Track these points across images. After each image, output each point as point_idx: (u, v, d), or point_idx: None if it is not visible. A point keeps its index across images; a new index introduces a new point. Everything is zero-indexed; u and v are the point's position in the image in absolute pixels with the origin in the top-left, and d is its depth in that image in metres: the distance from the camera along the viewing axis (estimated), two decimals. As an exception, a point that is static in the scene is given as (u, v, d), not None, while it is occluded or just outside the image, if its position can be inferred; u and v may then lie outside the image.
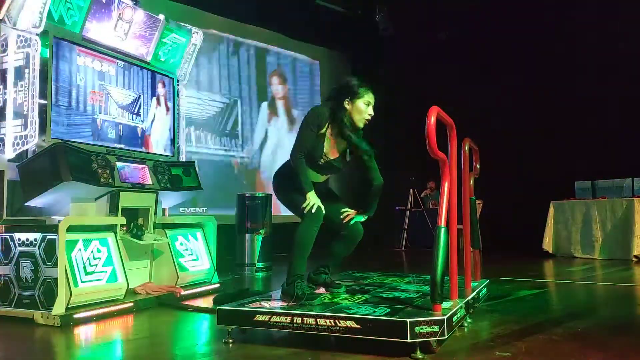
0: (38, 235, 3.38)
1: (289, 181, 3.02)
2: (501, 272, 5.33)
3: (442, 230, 2.62)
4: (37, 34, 3.56)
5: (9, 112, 3.61)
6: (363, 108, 2.99)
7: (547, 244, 7.42)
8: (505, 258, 6.92)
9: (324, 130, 2.99)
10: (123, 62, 4.20)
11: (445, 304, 2.66)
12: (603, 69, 7.73)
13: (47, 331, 3.12)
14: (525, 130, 8.38)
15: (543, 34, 8.38)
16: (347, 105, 3.00)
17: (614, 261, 6.57)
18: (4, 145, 3.61)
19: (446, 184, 2.71)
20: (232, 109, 8.17)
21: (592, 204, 7.12)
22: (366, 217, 3.15)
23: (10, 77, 3.62)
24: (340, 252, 3.23)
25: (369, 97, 3.01)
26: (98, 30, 3.98)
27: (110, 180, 3.74)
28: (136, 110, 4.29)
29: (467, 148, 3.52)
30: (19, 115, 3.59)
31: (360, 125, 3.03)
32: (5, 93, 3.64)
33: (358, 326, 2.43)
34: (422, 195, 9.70)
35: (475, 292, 3.28)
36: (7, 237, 3.49)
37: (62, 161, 3.42)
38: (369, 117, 3.03)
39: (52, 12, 3.60)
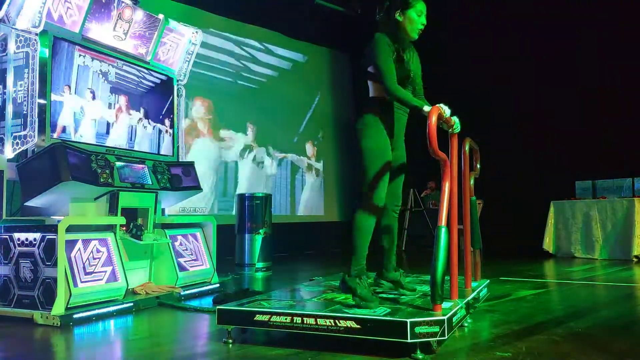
0: (37, 235, 3.37)
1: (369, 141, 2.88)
2: (501, 272, 5.33)
3: (442, 230, 2.61)
4: (36, 34, 3.56)
5: (9, 111, 3.61)
6: (415, 18, 2.95)
7: (547, 244, 7.41)
8: (505, 258, 6.92)
9: (394, 55, 2.89)
10: (122, 62, 4.19)
11: (445, 304, 2.65)
12: (603, 69, 7.73)
13: (46, 331, 3.12)
14: (525, 130, 8.38)
15: (543, 34, 8.37)
16: (399, 17, 2.95)
17: (614, 261, 6.57)
18: (3, 145, 3.61)
19: (446, 184, 2.70)
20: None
21: (592, 204, 7.11)
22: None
23: (10, 76, 3.62)
24: (391, 224, 3.13)
25: (421, 6, 2.97)
26: (98, 30, 3.97)
27: (109, 180, 3.73)
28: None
29: (467, 148, 3.52)
30: (19, 115, 3.58)
31: (415, 35, 2.98)
32: (4, 93, 3.63)
33: (358, 326, 2.43)
34: (422, 195, 9.70)
35: (475, 292, 3.28)
36: (7, 237, 3.48)
37: (62, 161, 3.41)
38: (422, 27, 2.99)
39: (51, 11, 3.60)
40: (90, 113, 3.90)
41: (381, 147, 2.90)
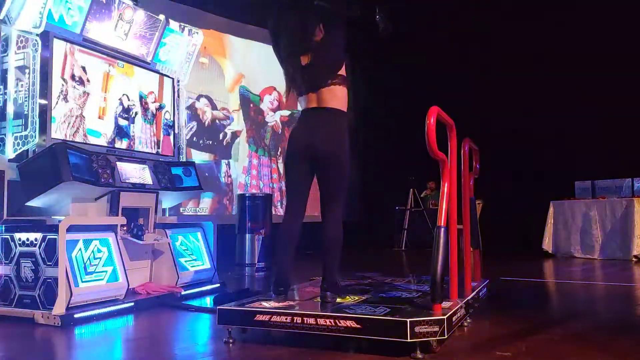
0: (38, 235, 3.37)
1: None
2: (501, 272, 5.33)
3: (442, 230, 2.62)
4: (37, 34, 3.56)
5: (10, 112, 3.62)
6: None
7: (547, 244, 7.42)
8: (505, 258, 6.93)
9: None
10: (123, 63, 4.20)
11: (445, 304, 2.66)
12: (603, 69, 7.74)
13: (47, 331, 3.12)
14: (525, 130, 8.39)
15: (542, 34, 8.38)
16: None
17: (614, 261, 6.58)
18: (4, 145, 3.61)
19: (446, 184, 2.71)
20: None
21: (592, 204, 7.13)
22: None
23: (11, 77, 3.62)
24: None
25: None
26: (98, 30, 3.98)
27: (110, 180, 3.74)
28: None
29: (467, 148, 3.53)
30: (20, 115, 3.59)
31: None
32: (5, 93, 3.64)
33: (358, 326, 2.43)
34: (422, 195, 9.71)
35: (475, 292, 3.29)
36: (8, 237, 3.49)
37: (62, 161, 3.42)
38: None
39: (52, 12, 3.60)
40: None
41: None
